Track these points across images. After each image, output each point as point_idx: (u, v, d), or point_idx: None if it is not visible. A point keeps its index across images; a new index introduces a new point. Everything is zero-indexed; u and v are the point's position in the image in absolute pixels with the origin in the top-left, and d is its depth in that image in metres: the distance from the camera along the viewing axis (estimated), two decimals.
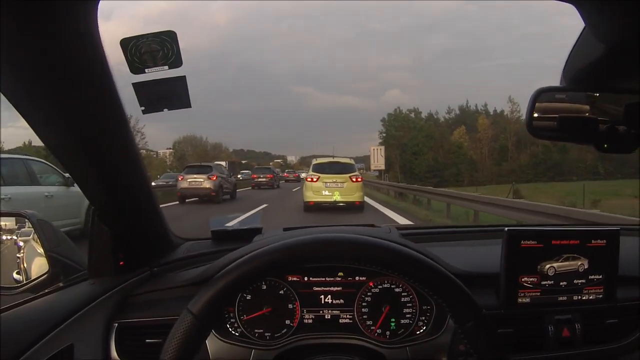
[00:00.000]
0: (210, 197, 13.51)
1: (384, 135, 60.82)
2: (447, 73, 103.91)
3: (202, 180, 13.64)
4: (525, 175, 49.90)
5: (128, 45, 0.75)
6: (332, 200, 10.78)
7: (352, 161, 12.32)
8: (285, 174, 38.47)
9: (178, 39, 0.76)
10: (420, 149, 56.54)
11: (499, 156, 55.50)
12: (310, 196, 10.98)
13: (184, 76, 0.81)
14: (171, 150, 62.34)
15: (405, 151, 56.04)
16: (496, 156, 55.59)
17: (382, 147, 35.72)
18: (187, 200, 13.83)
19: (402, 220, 9.32)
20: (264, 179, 24.07)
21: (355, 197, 10.89)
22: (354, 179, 11.06)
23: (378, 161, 32.43)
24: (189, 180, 13.78)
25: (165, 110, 0.85)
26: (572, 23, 0.69)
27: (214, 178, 13.83)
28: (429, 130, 59.62)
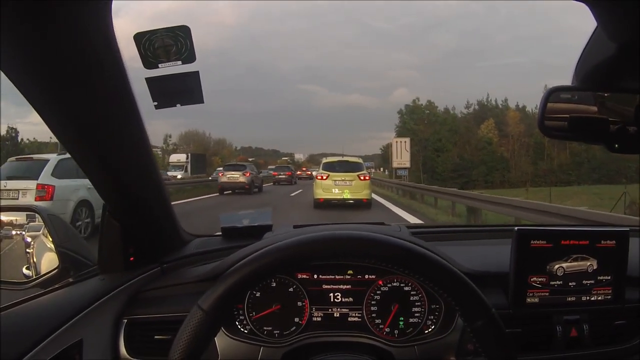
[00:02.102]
0: (244, 189, 18.56)
1: (398, 129, 58.19)
2: (455, 71, 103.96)
3: (237, 175, 18.82)
4: (566, 177, 48.07)
5: (142, 40, 0.80)
6: (341, 197, 11.77)
7: (360, 160, 13.45)
8: (299, 172, 43.09)
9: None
10: (444, 144, 54.64)
11: (534, 154, 53.33)
12: (320, 193, 11.96)
13: (197, 71, 0.86)
14: (163, 146, 62.64)
15: (426, 147, 53.68)
16: (531, 154, 53.34)
17: (407, 139, 30.58)
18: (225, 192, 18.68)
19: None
20: (283, 176, 30.65)
21: (363, 194, 11.94)
22: (362, 177, 12.09)
23: (402, 157, 28.34)
24: (227, 175, 19.01)
25: (178, 105, 0.90)
26: (583, 22, 0.75)
27: (248, 174, 18.98)
28: (453, 124, 57.46)
